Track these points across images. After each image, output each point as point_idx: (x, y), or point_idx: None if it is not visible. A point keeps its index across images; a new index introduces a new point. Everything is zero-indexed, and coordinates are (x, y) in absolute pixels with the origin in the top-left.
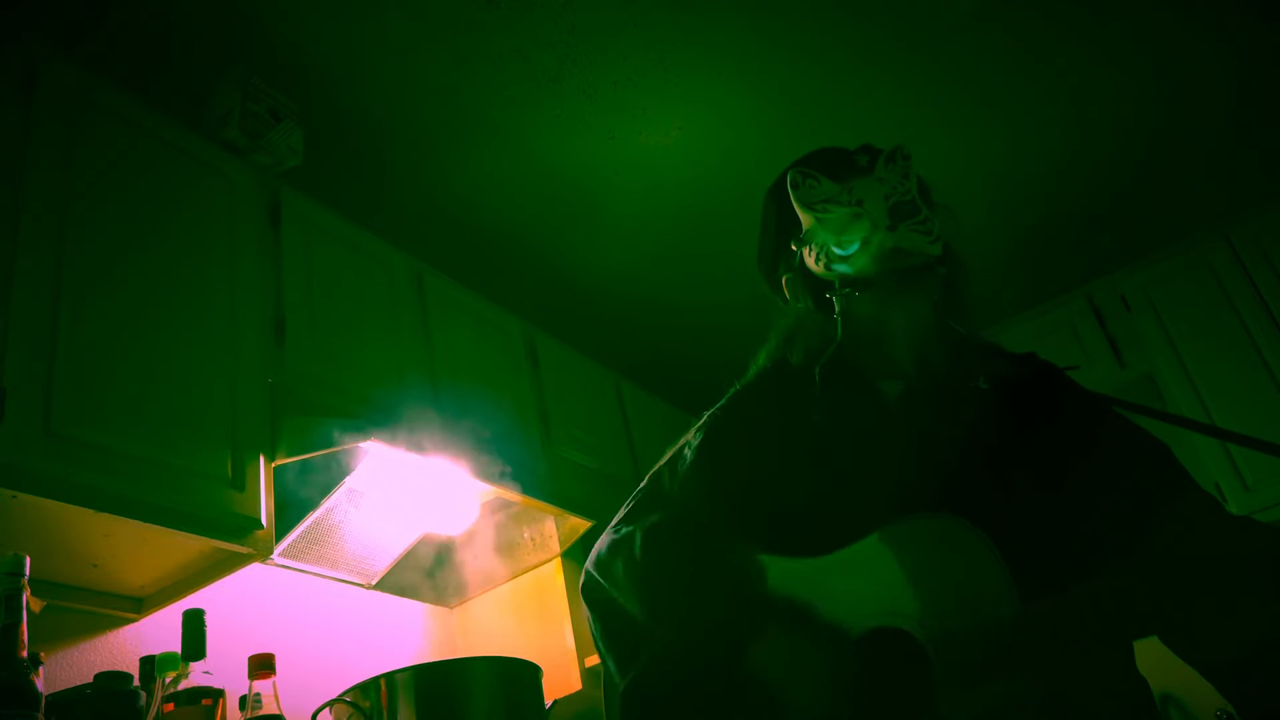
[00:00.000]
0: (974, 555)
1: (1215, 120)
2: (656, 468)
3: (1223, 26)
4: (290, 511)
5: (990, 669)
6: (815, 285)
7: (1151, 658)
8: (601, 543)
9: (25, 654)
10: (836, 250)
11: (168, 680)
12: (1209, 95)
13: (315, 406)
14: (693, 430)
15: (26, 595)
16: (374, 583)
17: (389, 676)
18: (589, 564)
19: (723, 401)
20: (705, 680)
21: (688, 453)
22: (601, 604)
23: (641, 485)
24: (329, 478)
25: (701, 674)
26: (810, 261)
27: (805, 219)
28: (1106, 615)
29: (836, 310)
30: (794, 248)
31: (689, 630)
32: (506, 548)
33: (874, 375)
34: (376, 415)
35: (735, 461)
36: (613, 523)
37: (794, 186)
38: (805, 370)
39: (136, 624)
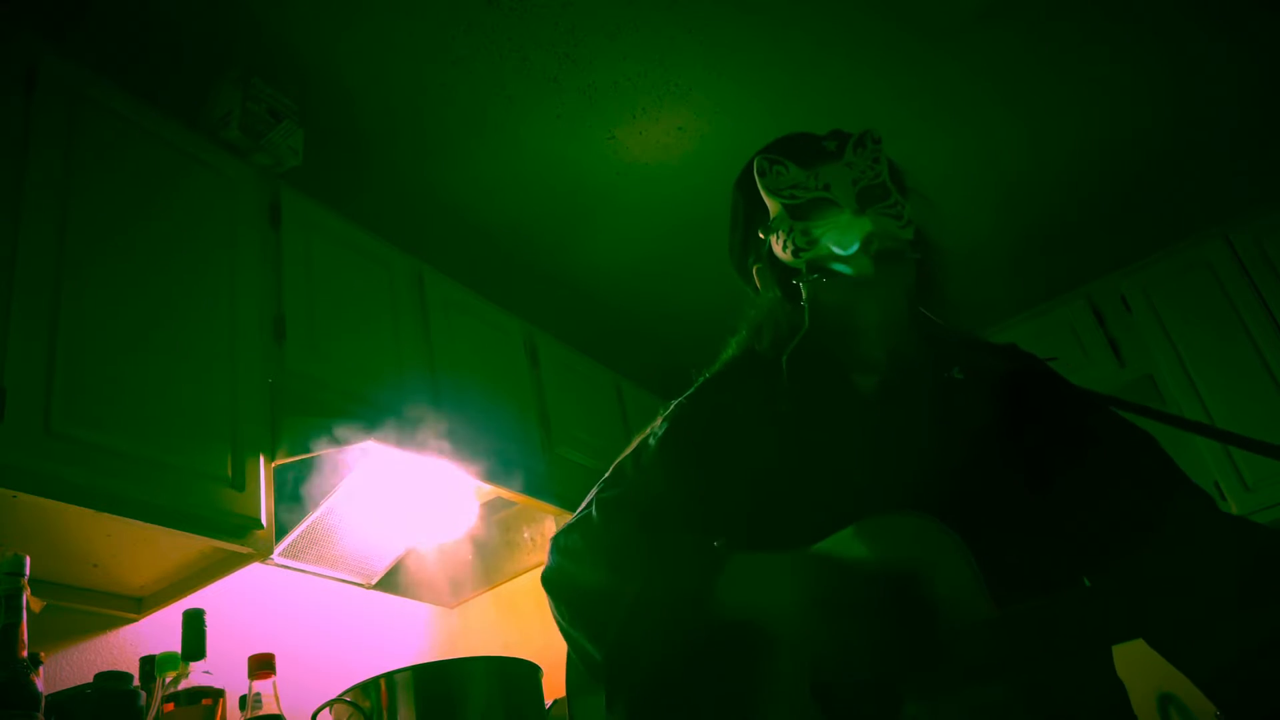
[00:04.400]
0: (946, 556)
1: (1217, 120)
2: (621, 457)
3: (1229, 22)
4: (290, 511)
5: (971, 674)
6: (784, 274)
7: (1151, 658)
8: (559, 532)
9: (25, 654)
10: (803, 237)
11: (168, 680)
12: (1213, 95)
13: (315, 406)
14: (658, 420)
15: (26, 595)
16: (374, 583)
17: (389, 676)
18: (548, 555)
19: (690, 391)
20: (684, 629)
21: (652, 441)
22: (564, 587)
23: (605, 475)
24: (329, 478)
25: (679, 623)
26: (778, 249)
27: (772, 206)
28: (1089, 620)
29: (804, 297)
30: (761, 236)
31: (657, 579)
32: (506, 547)
33: (846, 367)
34: (376, 415)
35: (701, 451)
36: (574, 513)
37: (760, 173)
38: (773, 359)
39: (136, 624)
